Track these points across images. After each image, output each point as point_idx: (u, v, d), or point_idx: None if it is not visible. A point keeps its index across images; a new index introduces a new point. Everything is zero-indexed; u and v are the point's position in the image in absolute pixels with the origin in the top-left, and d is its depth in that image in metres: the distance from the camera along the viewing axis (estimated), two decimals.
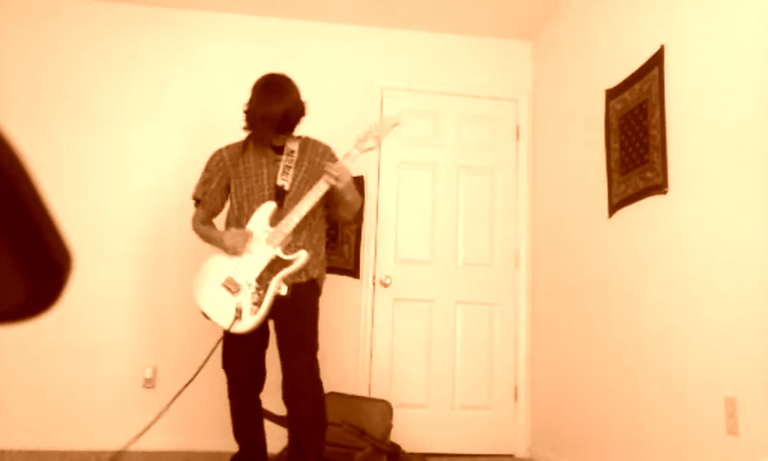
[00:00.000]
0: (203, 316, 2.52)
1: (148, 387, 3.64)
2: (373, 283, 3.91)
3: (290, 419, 2.44)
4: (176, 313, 3.70)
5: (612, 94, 3.10)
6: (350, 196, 2.64)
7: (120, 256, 3.74)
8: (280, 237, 2.50)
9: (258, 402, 2.64)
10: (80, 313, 3.61)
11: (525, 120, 4.18)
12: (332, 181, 2.53)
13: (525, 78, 4.24)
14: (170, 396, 3.57)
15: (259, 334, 2.53)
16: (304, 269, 2.54)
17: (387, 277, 3.91)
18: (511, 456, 3.86)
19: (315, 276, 2.59)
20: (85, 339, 3.64)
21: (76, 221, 3.69)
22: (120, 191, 3.82)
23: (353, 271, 3.87)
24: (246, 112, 2.61)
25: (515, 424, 3.89)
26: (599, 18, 3.34)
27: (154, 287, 3.75)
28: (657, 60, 2.72)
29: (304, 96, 2.68)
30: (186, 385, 2.68)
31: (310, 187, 2.59)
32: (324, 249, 2.70)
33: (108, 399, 3.60)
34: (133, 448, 3.50)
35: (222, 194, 2.71)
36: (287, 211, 2.55)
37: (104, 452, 3.46)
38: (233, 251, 2.50)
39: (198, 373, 2.65)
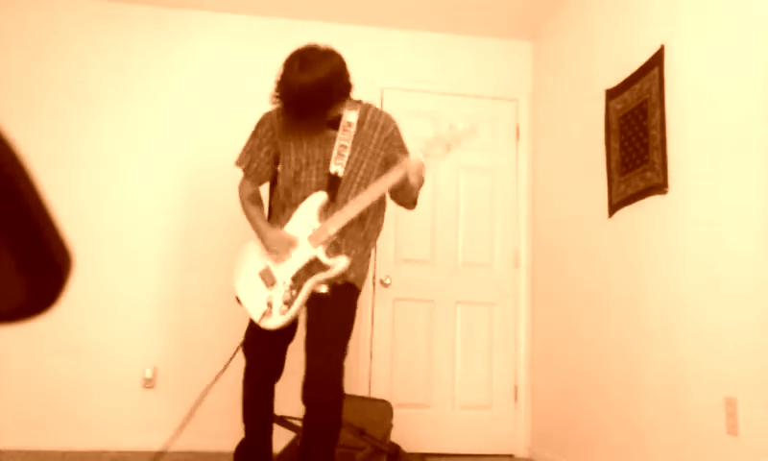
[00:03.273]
0: (236, 301, 2.41)
1: (148, 387, 3.64)
2: (373, 283, 3.91)
3: (306, 418, 2.38)
4: (176, 313, 3.70)
5: (611, 94, 3.10)
6: (416, 193, 2.43)
7: (120, 256, 3.74)
8: (324, 237, 2.27)
9: (272, 393, 2.51)
10: (80, 313, 3.61)
11: (525, 120, 4.17)
12: (413, 178, 2.24)
13: (525, 78, 4.23)
14: (170, 396, 3.58)
15: (287, 327, 2.38)
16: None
17: (387, 276, 3.91)
18: (511, 456, 3.86)
19: (351, 279, 2.33)
20: (85, 339, 3.64)
21: (75, 221, 3.68)
22: (120, 191, 3.81)
23: None
24: (276, 86, 2.23)
25: (515, 424, 3.89)
26: (599, 18, 3.34)
27: (154, 287, 3.74)
28: (657, 60, 2.72)
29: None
30: (211, 385, 2.58)
31: (365, 172, 2.35)
32: (371, 243, 2.46)
33: (108, 398, 3.60)
34: (134, 447, 3.51)
35: (271, 164, 2.44)
36: (339, 204, 2.31)
37: (104, 452, 3.46)
38: (273, 254, 2.33)
39: (220, 374, 2.55)
